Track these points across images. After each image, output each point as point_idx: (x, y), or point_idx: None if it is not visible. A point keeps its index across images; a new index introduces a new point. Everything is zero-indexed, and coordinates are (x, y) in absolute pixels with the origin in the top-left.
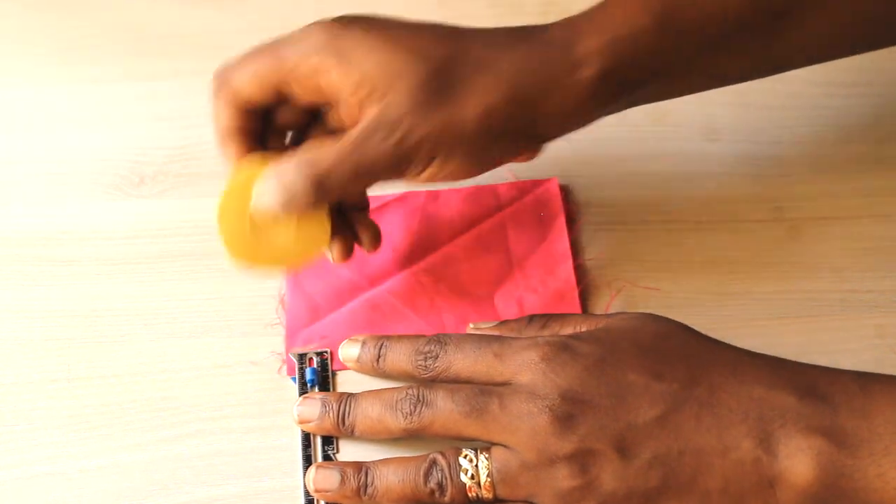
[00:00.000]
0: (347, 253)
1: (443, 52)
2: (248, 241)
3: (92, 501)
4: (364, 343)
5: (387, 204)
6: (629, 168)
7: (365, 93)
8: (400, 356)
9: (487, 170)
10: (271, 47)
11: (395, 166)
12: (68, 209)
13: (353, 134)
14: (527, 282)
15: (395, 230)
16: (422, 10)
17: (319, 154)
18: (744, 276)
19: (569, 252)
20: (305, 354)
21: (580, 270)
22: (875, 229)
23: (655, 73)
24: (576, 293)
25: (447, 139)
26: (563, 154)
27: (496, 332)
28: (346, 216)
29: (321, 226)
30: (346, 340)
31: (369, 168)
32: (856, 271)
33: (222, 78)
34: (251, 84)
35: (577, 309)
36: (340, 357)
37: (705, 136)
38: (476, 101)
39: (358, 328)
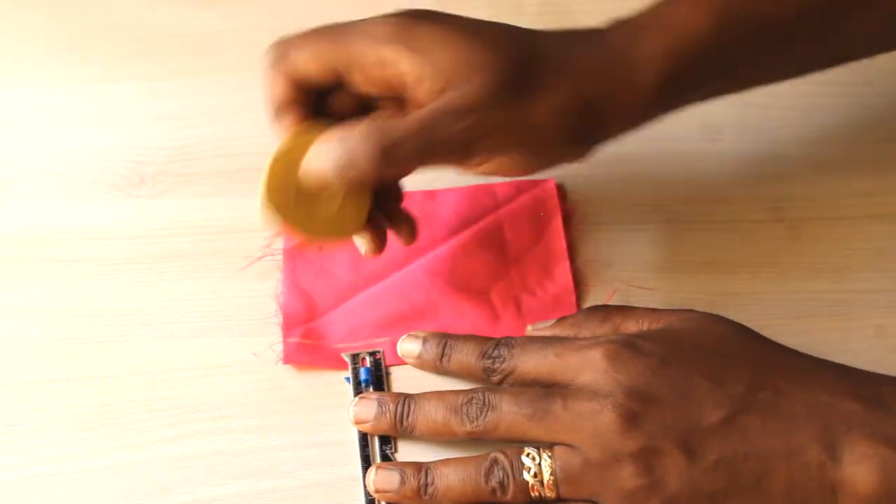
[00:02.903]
0: (381, 246)
1: (518, 49)
2: (289, 205)
3: (92, 501)
4: (425, 340)
5: None
6: (629, 168)
7: (438, 85)
8: (467, 357)
9: (542, 169)
10: (337, 31)
11: (460, 151)
12: (68, 209)
13: (423, 111)
14: (524, 281)
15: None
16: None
17: (387, 123)
18: (744, 276)
19: (565, 252)
20: (358, 354)
21: (577, 270)
22: (875, 229)
23: (714, 73)
24: (573, 293)
25: (515, 134)
26: None
27: (556, 330)
28: (381, 208)
29: (360, 207)
30: (404, 336)
31: (435, 146)
32: (856, 271)
33: (281, 51)
34: (312, 63)
35: (574, 309)
36: (399, 352)
37: (705, 136)
38: (546, 99)
39: (354, 327)
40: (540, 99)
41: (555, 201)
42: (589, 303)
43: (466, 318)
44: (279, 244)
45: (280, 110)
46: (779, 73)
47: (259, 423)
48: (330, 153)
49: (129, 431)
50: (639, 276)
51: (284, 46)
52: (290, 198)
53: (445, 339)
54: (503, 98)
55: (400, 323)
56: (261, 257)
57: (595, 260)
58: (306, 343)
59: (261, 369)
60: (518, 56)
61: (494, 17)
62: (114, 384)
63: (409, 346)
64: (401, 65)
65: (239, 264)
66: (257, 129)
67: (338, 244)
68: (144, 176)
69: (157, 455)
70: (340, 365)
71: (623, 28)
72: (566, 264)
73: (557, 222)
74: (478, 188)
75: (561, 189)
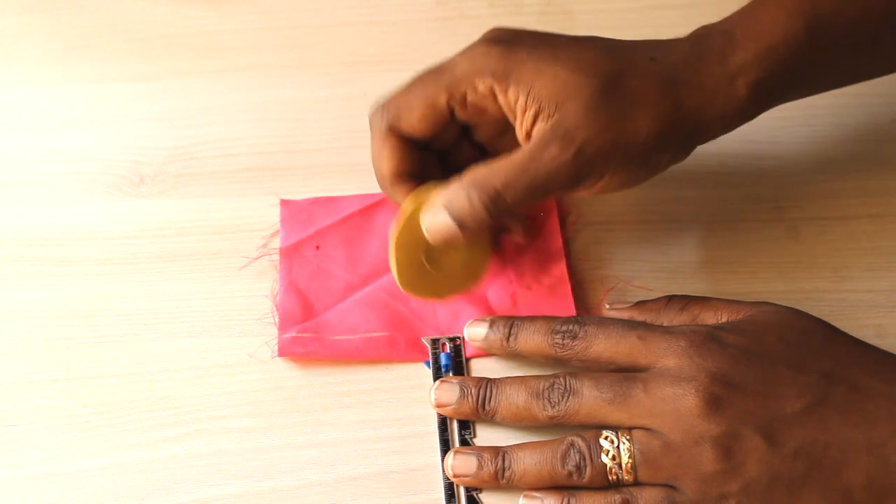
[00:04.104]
0: (496, 248)
1: (610, 66)
2: (422, 270)
3: (92, 501)
4: (492, 322)
5: (380, 202)
6: None
7: (535, 110)
8: (534, 335)
9: (647, 179)
10: (435, 76)
11: (572, 180)
12: (68, 209)
13: (527, 147)
14: (520, 279)
15: (388, 227)
16: (420, 10)
17: (492, 171)
18: (744, 276)
19: (562, 250)
20: (438, 340)
21: (574, 268)
22: (875, 229)
23: (804, 77)
24: (569, 291)
25: (621, 151)
26: None
27: (633, 313)
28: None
29: (485, 250)
30: (470, 321)
31: (545, 181)
32: (856, 271)
33: (391, 115)
34: (423, 111)
35: (570, 306)
36: (466, 337)
37: None
38: (646, 113)
39: (351, 325)
40: (637, 113)
41: (551, 201)
42: (586, 300)
43: (463, 315)
44: (276, 243)
45: (394, 184)
46: (867, 72)
47: (259, 423)
48: (440, 211)
49: (129, 431)
50: (638, 276)
51: (393, 109)
52: (422, 262)
53: (512, 320)
54: (601, 117)
55: (398, 321)
56: (258, 257)
57: (592, 259)
58: (302, 336)
59: (260, 369)
60: (611, 73)
61: (494, 17)
62: (114, 384)
63: (476, 330)
64: (507, 94)
65: (238, 264)
66: (257, 129)
67: (468, 292)
68: (144, 176)
69: (157, 455)
70: (336, 355)
71: (715, 35)
72: (563, 262)
73: (554, 220)
74: None
75: None
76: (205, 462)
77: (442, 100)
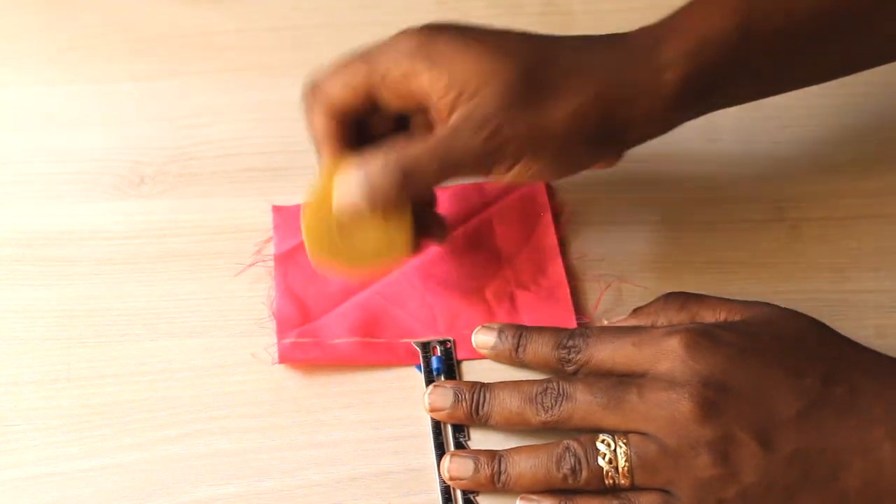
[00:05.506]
0: (416, 250)
1: (532, 55)
2: (332, 241)
3: (92, 501)
4: (501, 331)
5: None
6: (629, 168)
7: (455, 94)
8: (542, 348)
9: (570, 174)
10: (362, 56)
11: (482, 162)
12: (68, 209)
13: (443, 128)
14: (518, 278)
15: None
16: (420, 10)
17: (406, 148)
18: (744, 276)
19: (557, 249)
20: (429, 343)
21: (571, 267)
22: (875, 229)
23: (737, 77)
24: (569, 297)
25: (535, 139)
26: None
27: (632, 321)
28: (414, 212)
29: (404, 228)
30: (479, 327)
31: (456, 161)
32: (856, 271)
33: (315, 88)
34: (344, 92)
35: (569, 307)
36: (474, 343)
37: (705, 136)
38: (565, 103)
39: (349, 328)
40: (556, 102)
41: (544, 199)
42: (584, 299)
43: (462, 317)
44: (269, 250)
45: (322, 144)
46: (811, 74)
47: (259, 423)
48: (352, 183)
49: (129, 431)
50: (636, 276)
51: (317, 83)
52: (332, 233)
53: (521, 330)
54: (517, 105)
55: (396, 324)
56: (252, 264)
57: (591, 258)
58: (301, 342)
59: (260, 369)
60: (532, 62)
61: (494, 18)
62: (114, 384)
63: (484, 338)
64: (423, 77)
65: (238, 266)
66: (257, 129)
67: (392, 268)
68: (144, 176)
69: (157, 455)
70: (337, 360)
71: (645, 32)
72: (559, 261)
73: (547, 219)
74: (466, 187)
75: (550, 187)
76: (205, 462)
77: (364, 84)
